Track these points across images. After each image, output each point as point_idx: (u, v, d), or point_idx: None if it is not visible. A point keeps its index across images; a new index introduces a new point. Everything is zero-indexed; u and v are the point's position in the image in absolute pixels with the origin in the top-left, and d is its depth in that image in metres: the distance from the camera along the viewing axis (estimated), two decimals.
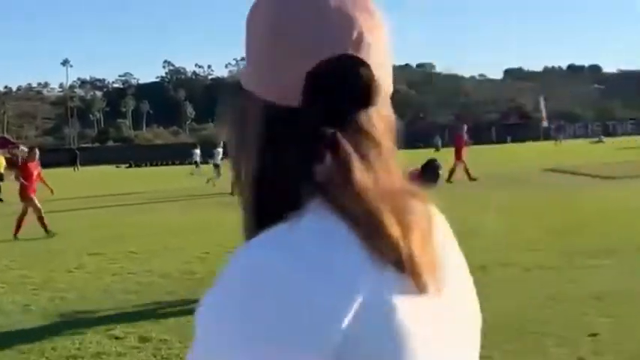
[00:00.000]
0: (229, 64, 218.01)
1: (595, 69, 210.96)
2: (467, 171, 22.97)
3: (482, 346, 0.79)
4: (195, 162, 41.39)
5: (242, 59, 0.84)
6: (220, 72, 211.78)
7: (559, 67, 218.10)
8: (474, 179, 22.65)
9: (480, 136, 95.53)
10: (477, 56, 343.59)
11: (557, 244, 9.81)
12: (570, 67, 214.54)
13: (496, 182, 21.75)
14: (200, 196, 22.03)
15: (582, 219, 12.36)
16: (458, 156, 23.19)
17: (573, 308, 6.31)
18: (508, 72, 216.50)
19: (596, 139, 67.49)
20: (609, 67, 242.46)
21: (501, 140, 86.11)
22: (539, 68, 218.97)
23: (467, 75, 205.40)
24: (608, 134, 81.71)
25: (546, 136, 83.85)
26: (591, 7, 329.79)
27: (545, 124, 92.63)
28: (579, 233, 10.72)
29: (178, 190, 25.03)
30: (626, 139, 65.73)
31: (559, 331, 5.61)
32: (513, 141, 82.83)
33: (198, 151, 42.00)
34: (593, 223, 11.80)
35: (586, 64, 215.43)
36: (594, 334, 5.49)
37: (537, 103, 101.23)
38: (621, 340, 5.32)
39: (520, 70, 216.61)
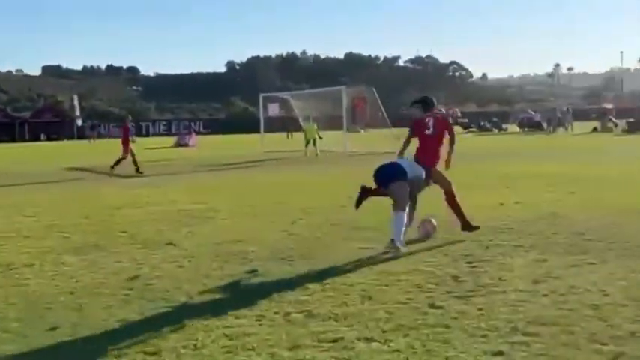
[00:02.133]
0: None
1: (133, 71, 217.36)
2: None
3: None
4: None
5: None
6: None
7: (98, 66, 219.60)
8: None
9: (13, 134, 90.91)
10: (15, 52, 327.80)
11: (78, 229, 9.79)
12: (109, 67, 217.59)
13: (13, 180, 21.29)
14: None
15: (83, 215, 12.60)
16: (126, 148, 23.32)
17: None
18: (46, 68, 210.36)
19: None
20: (146, 70, 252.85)
21: (35, 138, 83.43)
22: (78, 67, 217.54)
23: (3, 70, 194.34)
24: (142, 135, 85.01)
25: (81, 134, 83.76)
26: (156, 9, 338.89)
27: (79, 122, 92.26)
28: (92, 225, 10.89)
29: None
30: (157, 139, 68.97)
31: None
32: (49, 139, 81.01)
33: None
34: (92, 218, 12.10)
35: (125, 65, 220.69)
36: (55, 328, 5.55)
37: (72, 101, 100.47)
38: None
39: (59, 67, 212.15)
